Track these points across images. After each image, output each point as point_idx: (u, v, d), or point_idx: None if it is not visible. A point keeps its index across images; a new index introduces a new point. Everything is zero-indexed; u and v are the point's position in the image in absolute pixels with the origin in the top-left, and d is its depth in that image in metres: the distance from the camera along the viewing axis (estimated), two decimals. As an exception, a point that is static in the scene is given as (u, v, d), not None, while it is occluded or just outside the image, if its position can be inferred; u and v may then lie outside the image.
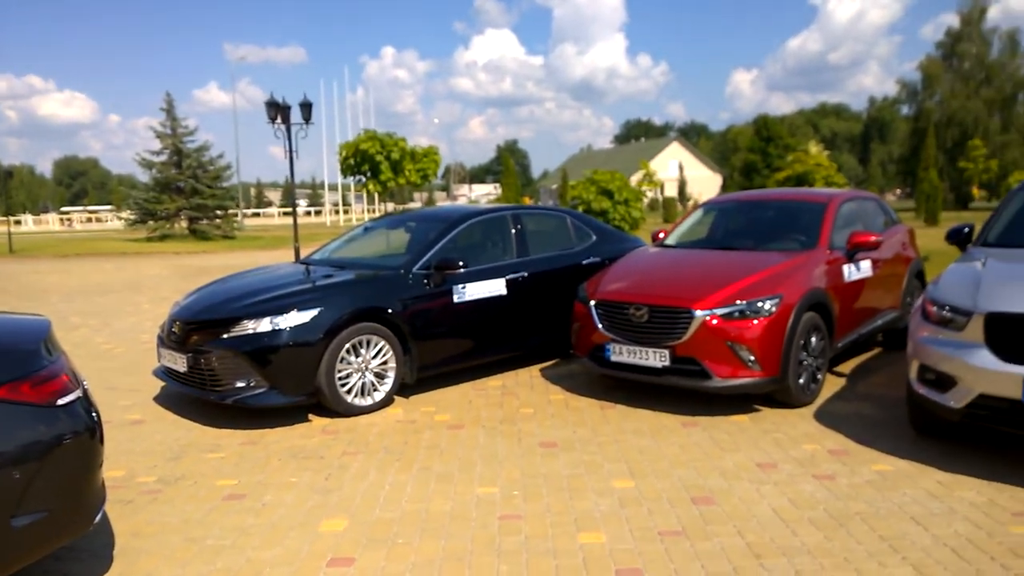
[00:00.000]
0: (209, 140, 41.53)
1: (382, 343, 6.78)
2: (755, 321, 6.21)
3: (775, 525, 4.33)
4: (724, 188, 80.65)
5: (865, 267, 7.58)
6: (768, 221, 8.26)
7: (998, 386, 4.77)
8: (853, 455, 5.42)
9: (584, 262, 8.55)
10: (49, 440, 3.40)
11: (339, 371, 6.52)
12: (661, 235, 8.72)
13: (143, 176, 40.52)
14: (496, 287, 7.67)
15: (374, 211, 57.50)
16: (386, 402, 6.90)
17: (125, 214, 41.61)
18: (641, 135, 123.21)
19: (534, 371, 8.17)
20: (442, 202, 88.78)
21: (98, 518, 3.74)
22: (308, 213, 79.00)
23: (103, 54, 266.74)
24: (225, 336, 6.42)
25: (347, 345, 6.54)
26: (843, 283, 7.21)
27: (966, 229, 6.69)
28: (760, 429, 6.06)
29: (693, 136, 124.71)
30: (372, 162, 43.43)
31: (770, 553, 4.00)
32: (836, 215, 7.60)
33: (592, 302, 6.99)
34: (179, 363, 6.70)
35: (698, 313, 6.25)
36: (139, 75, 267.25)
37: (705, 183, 78.91)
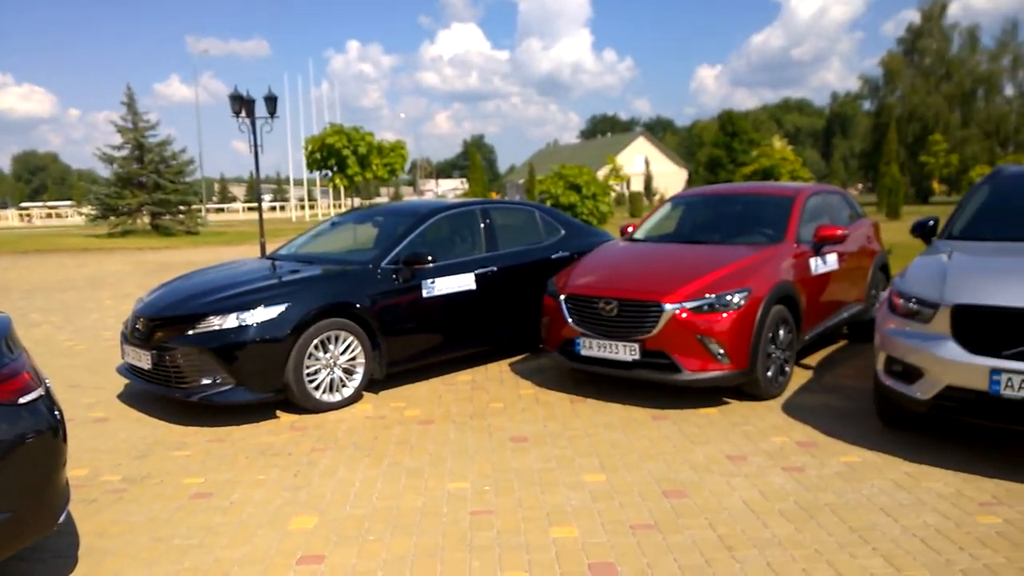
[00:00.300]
0: (171, 134, 40.72)
1: (351, 339, 6.72)
2: (724, 314, 6.24)
3: (746, 517, 4.35)
4: (690, 183, 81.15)
5: (831, 260, 7.64)
6: (736, 215, 8.29)
7: (965, 377, 4.82)
8: (821, 447, 5.46)
9: (553, 256, 8.54)
10: (11, 439, 3.32)
11: (307, 367, 6.45)
12: (630, 229, 8.73)
13: (104, 171, 39.91)
14: (465, 282, 7.64)
15: (340, 206, 57.21)
16: (355, 398, 6.84)
17: (86, 210, 41.09)
18: (607, 130, 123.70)
19: (504, 366, 8.15)
20: (409, 197, 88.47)
21: (62, 518, 3.67)
22: (273, 208, 78.41)
23: (62, 47, 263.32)
24: (191, 332, 6.32)
25: (315, 341, 6.47)
26: (810, 276, 7.26)
27: (931, 222, 6.76)
28: (729, 422, 6.09)
29: (659, 131, 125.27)
30: (339, 156, 43.06)
31: (742, 545, 4.01)
32: (803, 209, 7.65)
33: (562, 296, 6.98)
34: (143, 360, 6.59)
35: (668, 307, 6.26)
36: (99, 68, 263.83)
37: (671, 178, 79.42)
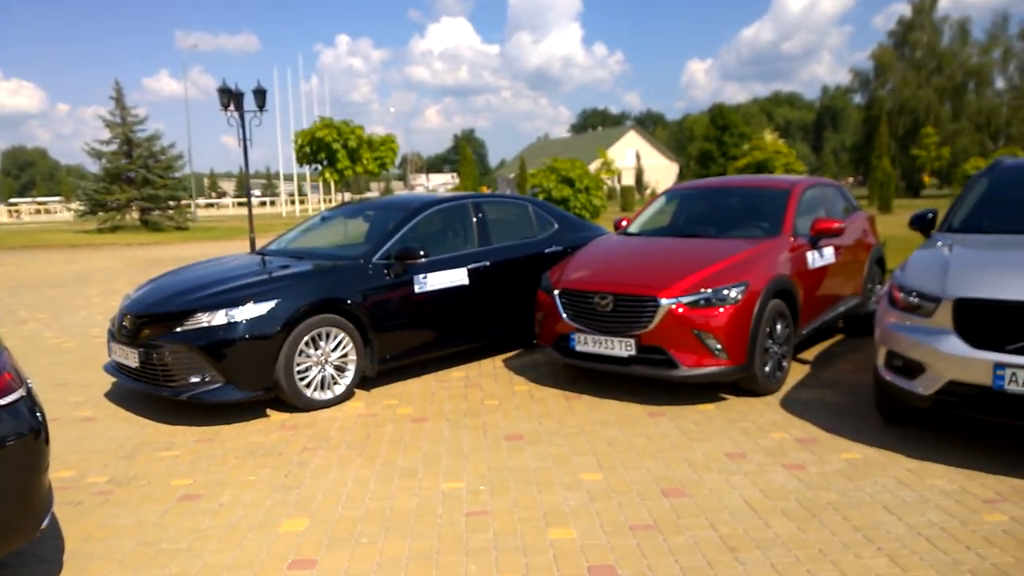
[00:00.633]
0: (160, 129, 41.04)
1: (342, 335, 6.61)
2: (721, 309, 6.15)
3: (747, 517, 4.26)
4: (681, 176, 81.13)
5: (828, 254, 7.56)
6: (731, 208, 8.20)
7: (968, 372, 4.73)
8: (821, 443, 5.38)
9: (546, 251, 8.44)
10: (-10, 443, 3.20)
11: (298, 364, 6.34)
12: (624, 223, 8.64)
13: (92, 166, 39.65)
14: (458, 277, 7.53)
15: (331, 201, 56.90)
16: (347, 396, 6.73)
17: (75, 205, 40.83)
18: (598, 124, 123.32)
19: (497, 362, 8.05)
20: (400, 191, 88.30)
21: (46, 522, 3.55)
22: (263, 203, 77.97)
23: (51, 42, 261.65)
24: (178, 330, 6.20)
25: (306, 337, 6.36)
26: (807, 270, 7.18)
27: (930, 215, 6.68)
28: (727, 418, 6.00)
29: (649, 125, 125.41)
30: (328, 150, 42.79)
31: (744, 546, 3.92)
32: (799, 202, 7.57)
33: (556, 291, 6.89)
34: (131, 358, 6.47)
35: (664, 301, 6.17)
36: (88, 63, 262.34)
37: (662, 172, 79.30)
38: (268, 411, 6.48)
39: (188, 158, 44.07)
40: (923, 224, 6.66)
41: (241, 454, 5.54)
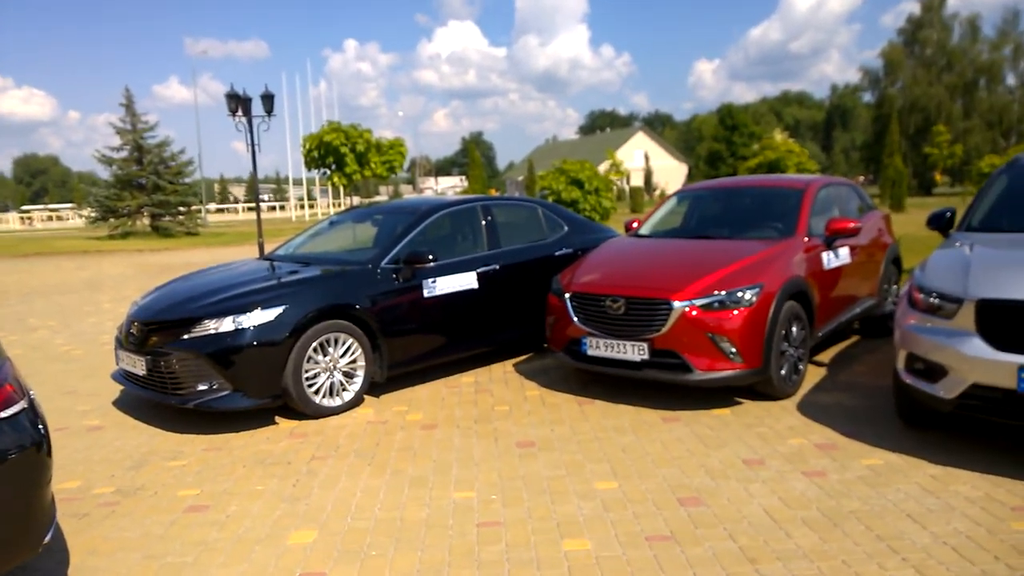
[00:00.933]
0: (170, 136, 41.07)
1: (350, 341, 6.52)
2: (735, 311, 6.03)
3: (767, 527, 4.14)
4: (690, 177, 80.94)
5: (843, 254, 7.44)
6: (744, 209, 8.09)
7: (992, 375, 4.61)
8: (841, 449, 5.26)
9: (557, 253, 8.34)
10: (-10, 457, 3.12)
11: (306, 371, 6.26)
12: (635, 225, 8.53)
13: (104, 173, 39.94)
14: (467, 280, 7.44)
15: (340, 205, 56.95)
16: (356, 402, 6.64)
17: (86, 212, 40.97)
18: (606, 125, 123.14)
19: (508, 366, 7.95)
20: (408, 195, 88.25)
21: (48, 538, 3.46)
22: (273, 208, 78.22)
23: (61, 50, 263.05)
24: (186, 337, 6.12)
25: (314, 344, 6.28)
26: (822, 270, 7.06)
27: (948, 214, 6.55)
28: (743, 423, 5.88)
29: (658, 126, 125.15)
30: (337, 154, 42.76)
31: (765, 557, 3.80)
32: (813, 201, 7.44)
33: (567, 295, 6.78)
34: (138, 366, 6.39)
35: (677, 304, 6.06)
36: (98, 70, 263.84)
37: (671, 172, 79.22)
38: (277, 418, 6.40)
39: (198, 164, 44.15)
40: (941, 223, 6.53)
41: (249, 463, 5.46)
